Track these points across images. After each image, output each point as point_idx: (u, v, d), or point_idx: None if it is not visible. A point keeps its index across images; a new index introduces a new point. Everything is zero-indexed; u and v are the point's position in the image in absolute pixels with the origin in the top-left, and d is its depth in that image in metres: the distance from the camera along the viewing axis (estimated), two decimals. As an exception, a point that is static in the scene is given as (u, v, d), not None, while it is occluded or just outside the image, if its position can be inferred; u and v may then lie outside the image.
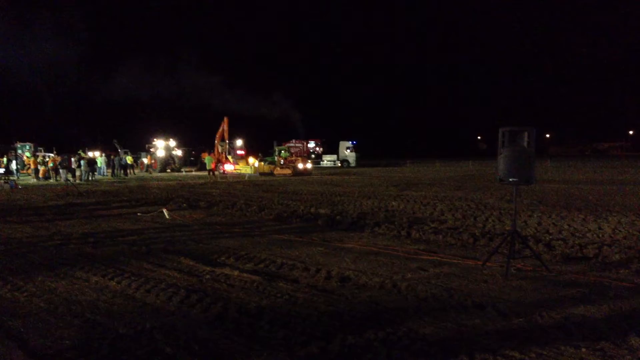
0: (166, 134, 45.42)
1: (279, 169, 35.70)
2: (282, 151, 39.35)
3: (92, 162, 31.83)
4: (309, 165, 37.77)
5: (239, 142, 44.17)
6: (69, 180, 26.90)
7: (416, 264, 7.33)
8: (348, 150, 52.48)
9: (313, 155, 44.92)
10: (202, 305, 5.42)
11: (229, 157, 40.73)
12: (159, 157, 42.87)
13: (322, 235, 9.81)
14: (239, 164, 38.73)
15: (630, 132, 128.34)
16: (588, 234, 9.44)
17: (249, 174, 35.48)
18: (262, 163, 37.54)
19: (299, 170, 35.68)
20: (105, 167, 37.68)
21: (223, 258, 7.80)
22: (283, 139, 51.52)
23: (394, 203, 15.09)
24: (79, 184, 26.45)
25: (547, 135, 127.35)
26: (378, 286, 6.14)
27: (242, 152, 43.14)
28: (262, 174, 35.68)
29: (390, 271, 6.90)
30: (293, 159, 38.16)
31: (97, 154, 41.55)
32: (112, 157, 38.74)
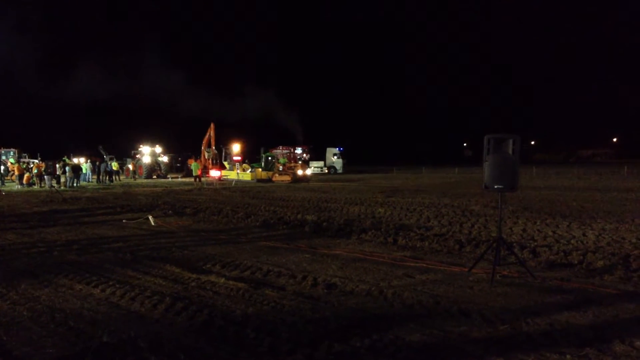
0: (152, 140, 45.19)
1: (277, 175, 35.01)
2: (280, 158, 38.32)
3: (77, 169, 31.51)
4: (308, 172, 37.01)
5: (236, 148, 43.42)
6: (54, 187, 26.64)
7: (402, 270, 7.34)
8: (335, 157, 52.56)
9: (300, 161, 44.80)
10: (188, 313, 5.38)
11: (225, 163, 40.01)
12: (144, 164, 42.60)
13: (309, 242, 9.80)
14: (236, 170, 38.08)
15: (614, 139, 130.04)
16: (572, 241, 9.53)
17: (235, 179, 35.32)
18: (260, 169, 36.73)
19: (299, 176, 34.79)
20: (90, 174, 37.34)
21: (209, 265, 7.76)
22: (270, 146, 51.41)
23: (380, 210, 15.13)
24: (63, 190, 26.18)
25: (532, 142, 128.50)
26: (364, 293, 6.14)
27: (239, 158, 42.47)
28: (260, 180, 34.97)
29: (376, 278, 6.91)
30: (292, 165, 37.28)
31: (82, 160, 41.17)
32: (97, 163, 38.43)
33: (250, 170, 37.53)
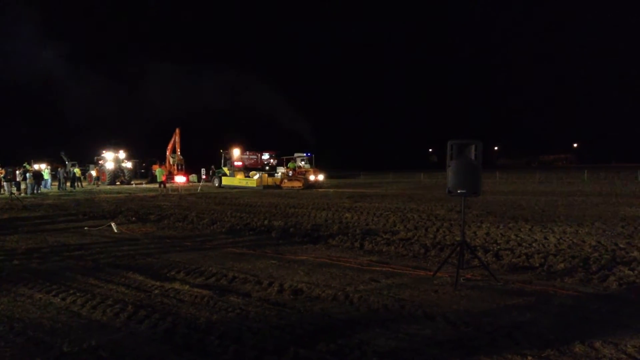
0: (115, 145, 44.34)
1: (287, 181, 33.05)
2: (290, 162, 35.78)
3: (38, 175, 30.77)
4: (320, 177, 34.18)
5: (236, 153, 41.82)
6: (14, 194, 25.91)
7: (369, 275, 7.37)
8: (303, 162, 52.55)
9: (267, 167, 44.39)
10: (151, 321, 5.29)
11: (225, 169, 37.94)
12: (107, 169, 41.83)
13: (276, 248, 9.76)
14: (237, 176, 35.78)
15: (575, 145, 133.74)
16: (534, 244, 9.72)
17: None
18: (266, 175, 34.68)
19: (311, 182, 32.50)
20: (50, 180, 36.46)
21: (173, 272, 7.65)
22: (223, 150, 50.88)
23: (347, 215, 15.18)
24: (24, 197, 25.50)
25: (496, 148, 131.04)
26: (331, 298, 6.14)
27: (240, 164, 40.89)
28: (267, 187, 32.94)
29: (343, 283, 6.92)
30: (303, 170, 34.53)
31: (42, 166, 40.19)
32: (58, 169, 37.55)
33: (249, 176, 35.14)
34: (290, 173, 33.98)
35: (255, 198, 23.73)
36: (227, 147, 40.47)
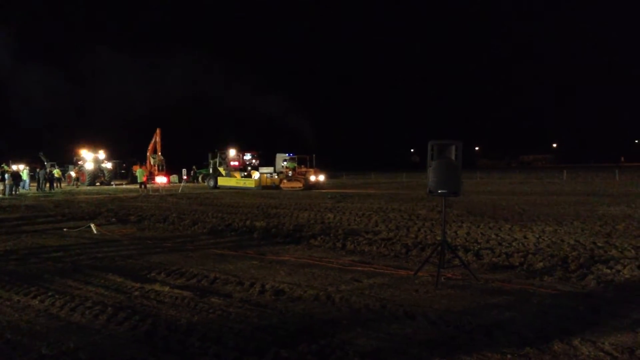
0: (95, 145, 43.86)
1: (286, 182, 31.88)
2: (288, 162, 33.97)
3: (16, 176, 30.28)
4: (321, 178, 33.34)
5: (232, 153, 41.19)
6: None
7: (350, 275, 7.38)
8: (285, 163, 52.36)
9: (249, 168, 44.07)
10: (130, 323, 5.23)
11: (221, 169, 37.16)
12: (87, 170, 41.35)
13: (258, 249, 9.73)
14: (234, 176, 34.84)
15: (554, 145, 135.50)
16: (514, 243, 9.82)
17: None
18: (265, 176, 33.41)
19: (312, 183, 31.63)
20: (29, 181, 35.92)
21: (153, 274, 7.58)
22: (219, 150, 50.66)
23: (329, 215, 15.20)
24: (2, 198, 25.10)
25: (477, 148, 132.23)
26: (312, 298, 6.14)
27: (236, 164, 38.83)
28: (265, 187, 32.08)
29: (324, 283, 6.92)
30: (303, 170, 33.00)
31: (21, 167, 39.57)
32: (37, 170, 37.02)
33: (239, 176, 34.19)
34: (290, 173, 32.84)
35: (237, 198, 23.63)
36: (223, 146, 39.73)
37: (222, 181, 34.99)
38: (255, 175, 34.04)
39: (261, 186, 32.09)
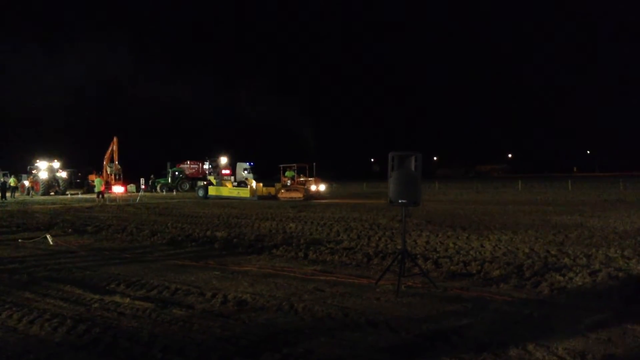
0: (50, 154, 42.76)
1: (284, 191, 30.02)
2: (287, 170, 31.90)
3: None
4: (322, 187, 31.74)
5: (224, 161, 38.86)
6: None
7: (313, 284, 7.42)
8: (245, 172, 52.06)
9: (209, 176, 43.64)
10: (91, 335, 5.14)
11: (211, 178, 35.85)
12: (41, 179, 40.20)
13: (219, 259, 9.67)
14: (225, 185, 33.03)
15: (510, 155, 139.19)
16: (471, 252, 10.05)
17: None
18: (261, 185, 31.79)
19: (312, 192, 30.03)
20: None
21: (113, 285, 7.46)
22: (177, 160, 50.10)
23: (292, 225, 15.21)
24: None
25: (435, 158, 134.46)
26: (275, 308, 6.15)
27: (228, 172, 37.56)
28: (262, 197, 30.41)
29: (287, 293, 6.94)
30: (303, 180, 31.15)
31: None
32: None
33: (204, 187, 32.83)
34: (289, 183, 31.16)
35: (198, 208, 23.39)
36: (214, 155, 38.65)
37: (212, 191, 33.11)
38: (252, 183, 32.36)
39: (257, 196, 30.43)
